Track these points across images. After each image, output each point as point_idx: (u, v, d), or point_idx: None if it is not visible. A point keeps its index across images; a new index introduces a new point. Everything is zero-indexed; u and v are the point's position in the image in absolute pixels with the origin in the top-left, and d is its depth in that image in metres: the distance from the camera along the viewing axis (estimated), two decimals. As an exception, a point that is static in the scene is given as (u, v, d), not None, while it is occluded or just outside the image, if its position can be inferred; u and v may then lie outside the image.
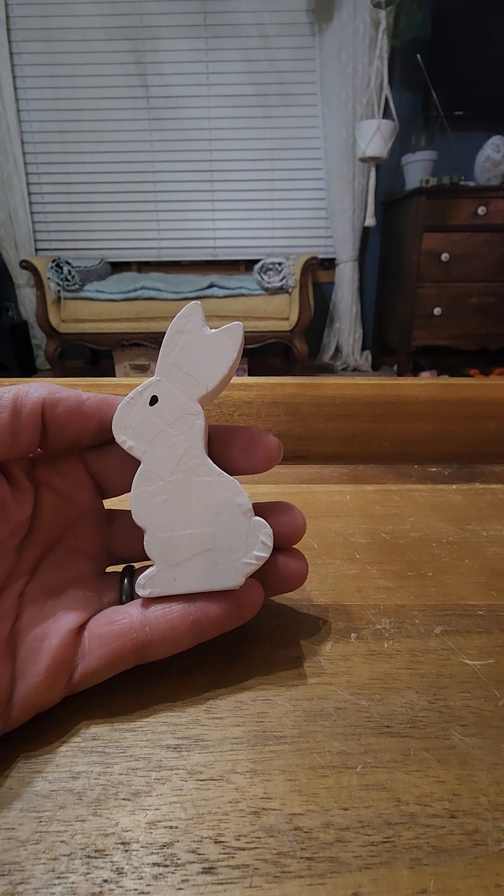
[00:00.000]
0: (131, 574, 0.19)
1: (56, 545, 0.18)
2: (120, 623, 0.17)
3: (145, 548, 0.17)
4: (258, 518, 0.17)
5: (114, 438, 0.17)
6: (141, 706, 0.17)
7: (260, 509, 0.18)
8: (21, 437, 0.16)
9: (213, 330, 0.17)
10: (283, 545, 0.18)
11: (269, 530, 0.17)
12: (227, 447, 0.18)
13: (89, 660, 0.16)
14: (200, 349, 0.17)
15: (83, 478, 0.19)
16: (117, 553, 0.19)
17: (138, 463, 0.17)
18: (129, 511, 0.18)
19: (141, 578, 0.17)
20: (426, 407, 0.38)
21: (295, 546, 0.19)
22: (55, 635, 0.16)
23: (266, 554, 0.17)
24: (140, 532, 0.17)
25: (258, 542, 0.17)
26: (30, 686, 0.15)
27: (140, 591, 0.17)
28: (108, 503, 0.20)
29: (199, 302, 0.17)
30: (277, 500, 0.19)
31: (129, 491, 0.18)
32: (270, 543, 0.17)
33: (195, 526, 0.17)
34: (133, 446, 0.17)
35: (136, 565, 0.20)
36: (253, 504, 0.18)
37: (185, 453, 0.17)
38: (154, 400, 0.17)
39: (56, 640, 0.16)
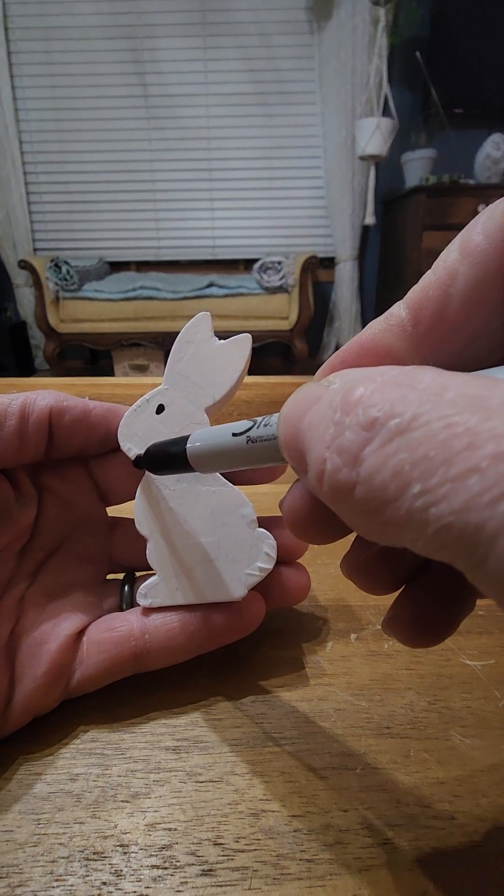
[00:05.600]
0: (132, 581, 0.19)
1: (58, 550, 0.18)
2: (119, 630, 0.16)
3: (147, 557, 0.17)
4: (262, 529, 0.17)
5: (118, 446, 0.17)
6: (140, 708, 0.17)
7: (263, 522, 0.18)
8: (28, 445, 0.16)
9: (222, 341, 0.17)
10: (286, 559, 0.18)
11: (273, 542, 0.17)
12: None
13: (87, 666, 0.16)
14: (209, 359, 0.17)
15: (86, 484, 0.19)
16: (119, 560, 0.19)
17: (142, 471, 0.17)
18: (132, 518, 0.18)
19: (142, 588, 0.17)
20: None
21: (298, 560, 0.19)
22: (54, 640, 0.16)
23: (269, 566, 0.17)
24: (142, 540, 0.17)
25: (262, 554, 0.17)
26: (28, 690, 0.15)
27: (141, 601, 0.17)
28: (112, 510, 0.20)
29: (208, 312, 0.17)
30: (277, 499, 0.19)
31: (132, 499, 0.18)
32: (274, 555, 0.17)
33: (198, 536, 0.17)
34: (138, 454, 0.17)
35: (138, 573, 0.19)
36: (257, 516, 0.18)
37: None
38: (161, 408, 0.17)
39: (55, 645, 0.16)
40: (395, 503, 0.07)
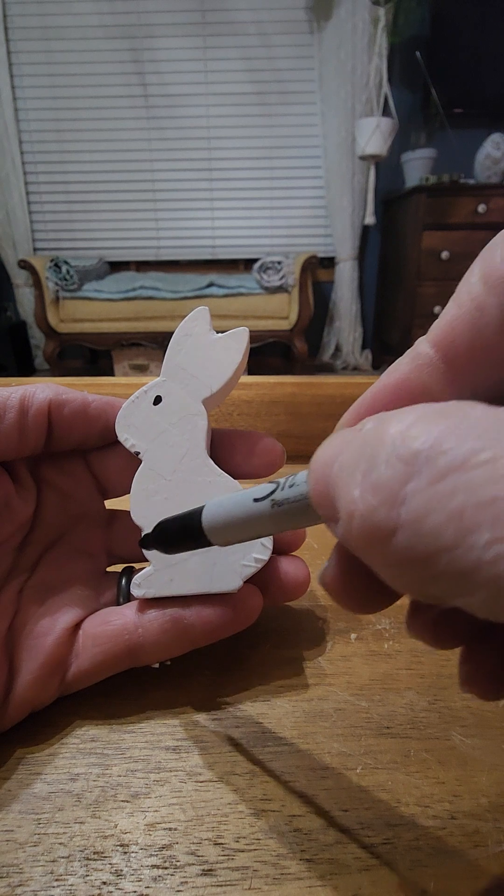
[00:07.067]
0: (130, 574, 0.19)
1: (56, 543, 0.18)
2: (113, 624, 0.17)
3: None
4: None
5: (117, 440, 0.17)
6: (140, 707, 0.17)
7: None
8: (27, 438, 0.16)
9: (220, 334, 0.17)
10: (284, 550, 0.18)
11: None
12: (230, 451, 0.18)
13: (83, 659, 0.16)
14: (206, 352, 0.17)
15: (85, 477, 0.19)
16: (118, 553, 0.19)
17: (140, 464, 0.17)
18: (130, 511, 0.18)
19: (137, 578, 0.17)
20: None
21: (295, 552, 0.19)
22: (50, 633, 0.16)
23: (265, 557, 0.17)
24: (140, 532, 0.17)
25: (257, 544, 0.17)
26: (25, 683, 0.15)
27: (135, 592, 0.17)
28: (110, 503, 0.20)
29: (206, 307, 0.18)
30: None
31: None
32: (270, 546, 0.17)
33: None
34: (135, 444, 0.17)
35: (136, 566, 0.20)
36: None
37: (187, 453, 0.17)
38: (158, 399, 0.17)
39: (51, 639, 0.16)
40: (453, 552, 0.06)
